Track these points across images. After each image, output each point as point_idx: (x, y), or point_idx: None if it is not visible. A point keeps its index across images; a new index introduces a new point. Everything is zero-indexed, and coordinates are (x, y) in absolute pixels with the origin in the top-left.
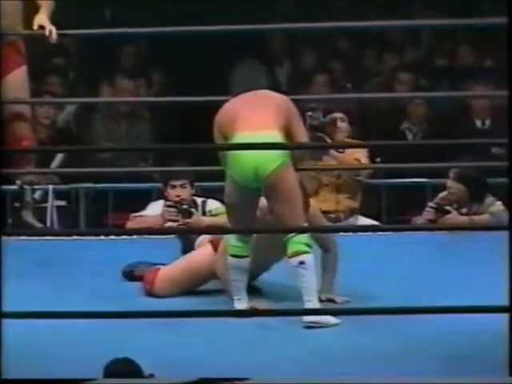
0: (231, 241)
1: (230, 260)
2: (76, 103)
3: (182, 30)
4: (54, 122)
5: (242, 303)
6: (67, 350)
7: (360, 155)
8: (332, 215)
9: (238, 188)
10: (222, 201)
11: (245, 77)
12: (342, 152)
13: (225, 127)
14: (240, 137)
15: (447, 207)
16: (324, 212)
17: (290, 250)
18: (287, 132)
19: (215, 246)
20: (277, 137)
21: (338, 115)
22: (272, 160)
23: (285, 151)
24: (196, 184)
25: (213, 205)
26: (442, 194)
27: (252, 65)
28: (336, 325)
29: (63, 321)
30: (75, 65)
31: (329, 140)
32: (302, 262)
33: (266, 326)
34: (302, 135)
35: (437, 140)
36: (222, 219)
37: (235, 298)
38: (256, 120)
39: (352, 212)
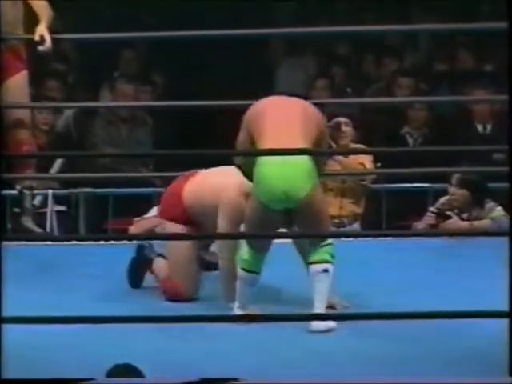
0: (243, 254)
1: (240, 273)
2: (76, 107)
3: (182, 34)
4: (53, 127)
5: (241, 310)
6: (66, 355)
7: (364, 160)
8: (336, 220)
9: (262, 209)
10: None
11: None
12: (346, 156)
13: (255, 136)
14: (269, 160)
15: (448, 212)
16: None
17: (317, 256)
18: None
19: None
20: (305, 162)
21: (342, 120)
22: (303, 184)
23: (314, 172)
24: None
25: None
26: (442, 199)
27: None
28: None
29: (63, 325)
30: (75, 69)
31: (333, 144)
32: (325, 270)
33: (265, 330)
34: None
35: (437, 145)
36: None
37: (236, 304)
38: (286, 141)
39: (355, 217)
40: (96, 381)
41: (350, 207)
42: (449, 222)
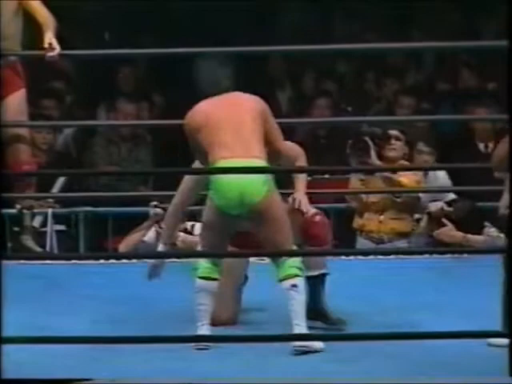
0: (201, 262)
1: (198, 282)
2: (75, 126)
3: (181, 51)
4: (52, 146)
5: (205, 330)
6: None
7: (407, 177)
8: (374, 236)
9: (218, 213)
10: None
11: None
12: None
13: (203, 142)
14: (223, 165)
15: (443, 220)
16: (367, 232)
17: (283, 273)
18: (265, 138)
19: None
20: (261, 162)
21: (394, 133)
22: (258, 188)
23: (269, 177)
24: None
25: None
26: (435, 203)
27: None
28: (321, 350)
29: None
30: (73, 87)
31: (374, 156)
32: (294, 285)
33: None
34: (278, 137)
35: (439, 163)
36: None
37: (199, 323)
38: (239, 143)
39: (399, 235)
40: (93, 381)
41: (391, 224)
42: (444, 229)
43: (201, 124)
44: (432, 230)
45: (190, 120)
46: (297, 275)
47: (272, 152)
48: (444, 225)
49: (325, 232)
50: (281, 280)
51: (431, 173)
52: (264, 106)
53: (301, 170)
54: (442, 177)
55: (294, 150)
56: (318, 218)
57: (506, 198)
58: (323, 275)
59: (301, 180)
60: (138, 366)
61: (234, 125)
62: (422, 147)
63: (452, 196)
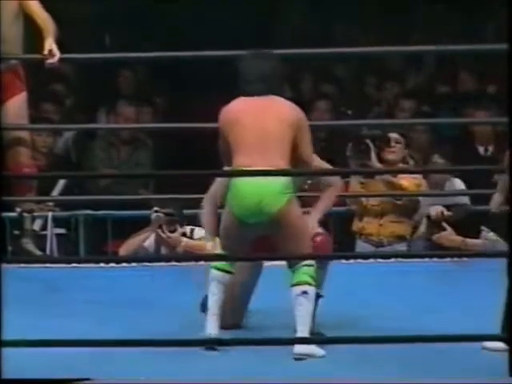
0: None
1: (212, 272)
2: (75, 129)
3: (180, 55)
4: (52, 150)
5: (213, 322)
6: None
7: (408, 180)
8: (374, 238)
9: (235, 220)
10: None
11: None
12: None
13: (231, 143)
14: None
15: (443, 224)
16: (366, 235)
17: (296, 279)
18: (294, 148)
19: None
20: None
21: (394, 136)
22: (277, 197)
23: (289, 186)
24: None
25: (201, 233)
26: (435, 207)
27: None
28: (323, 356)
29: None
30: (73, 91)
31: (374, 158)
32: (304, 292)
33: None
34: (307, 149)
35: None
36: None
37: (208, 312)
38: (261, 152)
39: (399, 238)
40: (92, 380)
41: (391, 227)
42: (443, 233)
43: (231, 124)
44: (432, 234)
45: (222, 117)
46: (309, 283)
47: (299, 163)
48: (444, 229)
49: (325, 252)
50: (293, 285)
51: (448, 182)
52: (299, 115)
53: (300, 173)
54: (458, 184)
55: (332, 180)
56: (318, 239)
57: (496, 197)
58: (318, 296)
59: (325, 203)
60: (138, 366)
61: (259, 132)
62: (437, 159)
63: (465, 200)
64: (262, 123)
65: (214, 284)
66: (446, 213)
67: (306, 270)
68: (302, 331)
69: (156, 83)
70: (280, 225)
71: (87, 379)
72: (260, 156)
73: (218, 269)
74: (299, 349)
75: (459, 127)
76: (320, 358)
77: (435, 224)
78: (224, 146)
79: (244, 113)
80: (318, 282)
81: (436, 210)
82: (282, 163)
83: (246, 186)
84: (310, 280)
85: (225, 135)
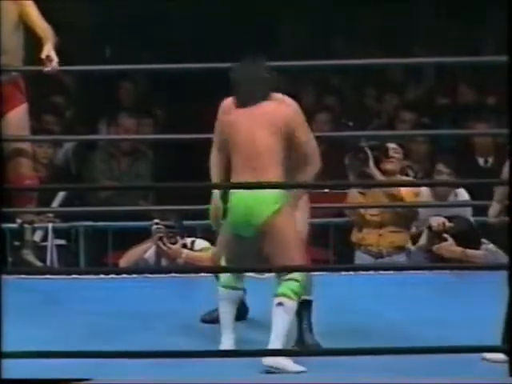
0: (223, 276)
1: (221, 291)
2: (76, 141)
3: (181, 67)
4: (53, 161)
5: (228, 339)
6: None
7: (404, 190)
8: (373, 249)
9: (232, 235)
10: (209, 240)
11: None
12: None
13: (229, 148)
14: (240, 194)
15: (444, 235)
16: (365, 245)
17: (278, 290)
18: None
19: None
20: (272, 192)
21: (392, 145)
22: (265, 208)
23: (279, 195)
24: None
25: (201, 244)
26: (436, 218)
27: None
28: (299, 372)
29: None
30: (74, 102)
31: (373, 165)
32: (280, 303)
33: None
34: (307, 140)
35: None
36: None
37: (222, 332)
38: (250, 170)
39: (398, 249)
40: (92, 381)
41: (390, 237)
42: (444, 244)
43: (229, 129)
44: (432, 245)
45: (222, 119)
46: (287, 296)
47: (299, 156)
48: (445, 239)
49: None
50: (274, 296)
51: (453, 192)
52: (290, 113)
53: (301, 185)
54: (462, 195)
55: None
56: None
57: (494, 207)
58: (308, 302)
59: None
60: (138, 366)
61: (248, 146)
62: (442, 168)
63: (468, 211)
64: (250, 133)
65: (224, 303)
66: (447, 224)
67: (289, 283)
68: (273, 342)
69: (156, 95)
70: (267, 235)
71: (87, 379)
72: (249, 174)
73: (226, 287)
74: (268, 361)
75: (459, 139)
76: (295, 373)
77: (436, 235)
78: (219, 143)
79: (237, 127)
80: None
81: (437, 221)
82: (273, 175)
83: (236, 199)
84: (288, 293)
85: (222, 135)
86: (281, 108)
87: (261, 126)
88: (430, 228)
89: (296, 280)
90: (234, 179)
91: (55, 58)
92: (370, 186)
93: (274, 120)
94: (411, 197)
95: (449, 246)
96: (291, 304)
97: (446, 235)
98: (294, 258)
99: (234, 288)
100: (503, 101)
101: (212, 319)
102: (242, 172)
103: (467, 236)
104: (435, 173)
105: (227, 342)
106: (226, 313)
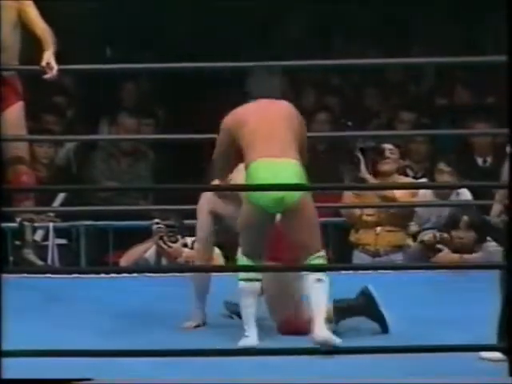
0: (241, 262)
1: (241, 284)
2: (76, 141)
3: (183, 66)
4: (54, 161)
5: (251, 333)
6: None
7: (400, 192)
8: (371, 249)
9: (257, 211)
10: None
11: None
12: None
13: (241, 142)
14: (259, 163)
15: (439, 245)
16: (363, 245)
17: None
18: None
19: None
20: (296, 164)
21: (388, 146)
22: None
23: (303, 175)
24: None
25: None
26: (427, 232)
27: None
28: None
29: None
30: (74, 102)
31: (364, 170)
32: (319, 280)
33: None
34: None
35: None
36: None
37: (245, 327)
38: (275, 144)
39: (396, 248)
40: (93, 381)
41: (387, 237)
42: (440, 254)
43: (240, 124)
44: (428, 257)
45: (229, 120)
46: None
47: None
48: (439, 250)
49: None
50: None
51: (454, 192)
52: (296, 111)
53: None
54: (465, 195)
55: None
56: None
57: (496, 207)
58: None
59: None
60: (139, 366)
61: (269, 126)
62: (444, 167)
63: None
64: (269, 118)
65: (246, 297)
66: (438, 236)
67: (321, 261)
68: (318, 316)
69: (157, 95)
70: (295, 215)
71: (87, 379)
72: (276, 147)
73: (246, 280)
74: (320, 335)
75: (458, 139)
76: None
77: (430, 247)
78: (228, 148)
79: (251, 112)
80: None
81: (429, 236)
82: (295, 154)
83: (266, 176)
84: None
85: (232, 135)
86: (286, 103)
87: (274, 111)
88: (422, 242)
89: (324, 259)
90: (259, 152)
91: (55, 66)
92: (369, 189)
93: (285, 110)
94: (407, 197)
95: (446, 255)
96: (327, 280)
97: (439, 246)
98: (316, 240)
99: (253, 280)
100: (502, 101)
101: (232, 311)
102: (268, 145)
103: (482, 226)
104: (436, 172)
105: (253, 336)
106: (248, 306)
